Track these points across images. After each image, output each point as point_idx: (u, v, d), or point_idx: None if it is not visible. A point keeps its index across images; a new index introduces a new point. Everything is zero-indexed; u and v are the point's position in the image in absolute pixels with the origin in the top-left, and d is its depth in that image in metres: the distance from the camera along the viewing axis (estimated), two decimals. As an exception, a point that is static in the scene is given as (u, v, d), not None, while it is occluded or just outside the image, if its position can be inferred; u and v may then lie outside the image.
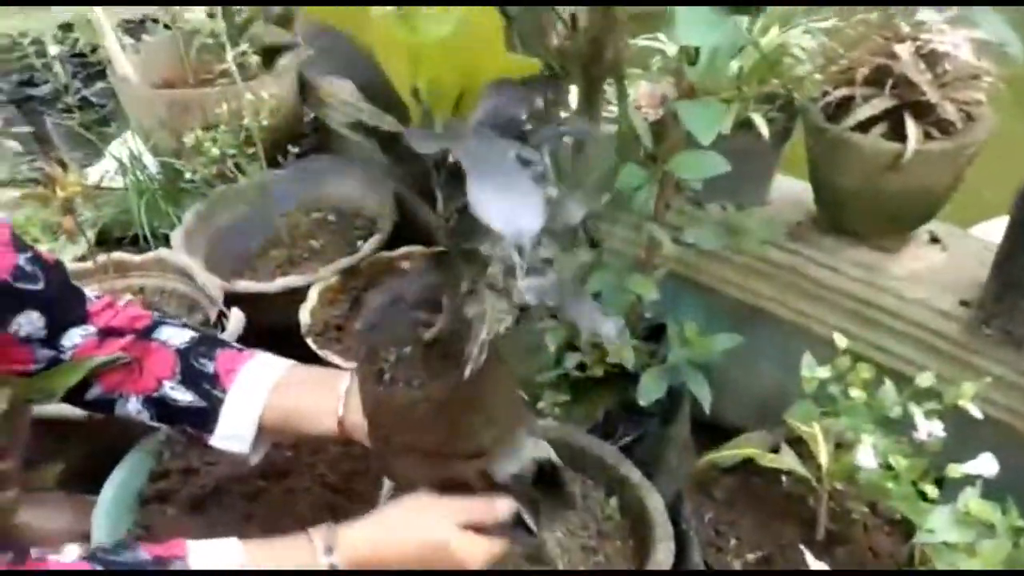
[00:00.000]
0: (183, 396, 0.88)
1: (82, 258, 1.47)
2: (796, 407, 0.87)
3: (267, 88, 1.53)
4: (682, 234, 0.98)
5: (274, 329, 1.31)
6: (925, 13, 0.91)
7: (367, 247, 1.49)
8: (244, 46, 1.59)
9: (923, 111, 0.93)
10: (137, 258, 1.43)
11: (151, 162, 1.72)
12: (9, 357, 0.88)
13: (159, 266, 1.43)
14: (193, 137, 1.44)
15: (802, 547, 0.85)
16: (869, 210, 0.99)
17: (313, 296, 1.39)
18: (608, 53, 0.89)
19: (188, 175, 1.54)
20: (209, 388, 0.87)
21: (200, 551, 0.71)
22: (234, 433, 0.87)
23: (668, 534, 0.88)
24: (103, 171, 1.84)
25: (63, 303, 0.89)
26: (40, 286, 0.87)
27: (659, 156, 1.01)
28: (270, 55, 1.72)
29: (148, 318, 0.94)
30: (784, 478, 0.96)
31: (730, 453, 0.91)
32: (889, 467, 0.80)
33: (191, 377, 0.88)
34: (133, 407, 0.90)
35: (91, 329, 0.90)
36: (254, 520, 1.05)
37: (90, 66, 2.45)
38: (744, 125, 1.02)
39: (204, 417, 0.88)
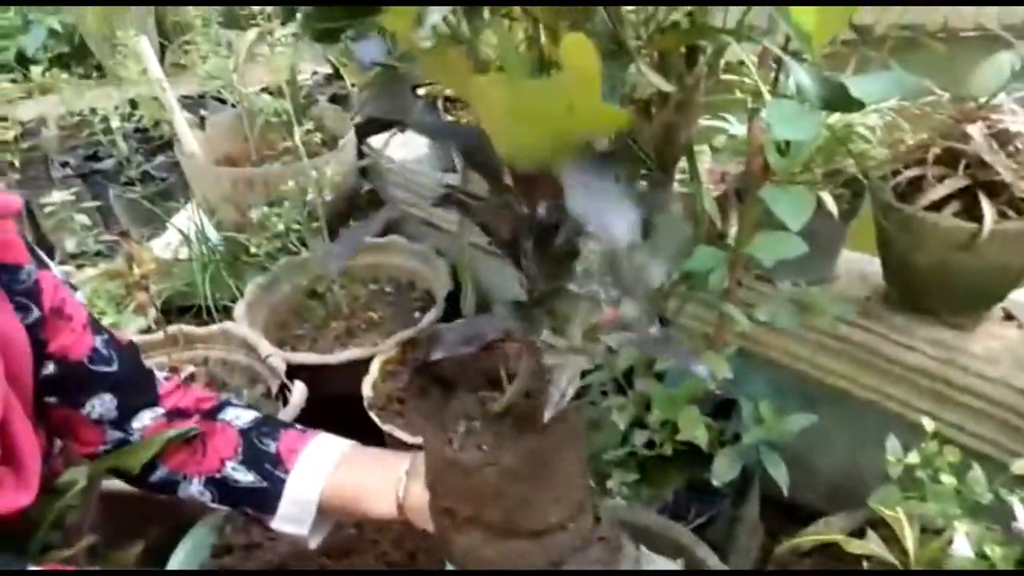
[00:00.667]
0: (244, 477, 0.88)
1: (147, 330, 1.50)
2: (880, 491, 0.85)
3: (330, 165, 1.57)
4: (753, 311, 0.98)
5: (336, 401, 1.33)
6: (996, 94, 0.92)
7: (427, 319, 1.51)
8: (308, 125, 1.64)
9: (997, 190, 0.92)
10: (202, 330, 1.46)
11: (214, 235, 1.77)
12: (80, 438, 0.90)
13: (223, 338, 1.46)
14: (259, 213, 1.49)
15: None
16: (943, 288, 0.98)
17: (375, 369, 1.40)
18: (681, 137, 0.91)
19: (252, 248, 1.58)
20: (271, 469, 0.88)
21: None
22: (295, 515, 0.87)
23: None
24: (166, 243, 1.90)
25: (135, 385, 0.91)
26: (114, 368, 0.89)
27: (728, 235, 1.02)
28: (331, 133, 1.78)
29: (215, 399, 0.95)
30: (865, 563, 0.93)
31: (812, 538, 0.89)
32: (983, 555, 0.78)
33: (253, 457, 0.89)
34: (196, 488, 0.90)
35: (160, 411, 0.91)
36: (317, 600, 1.05)
37: (151, 141, 2.55)
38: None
39: (265, 498, 0.88)
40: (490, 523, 0.70)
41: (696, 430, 0.99)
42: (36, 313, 0.83)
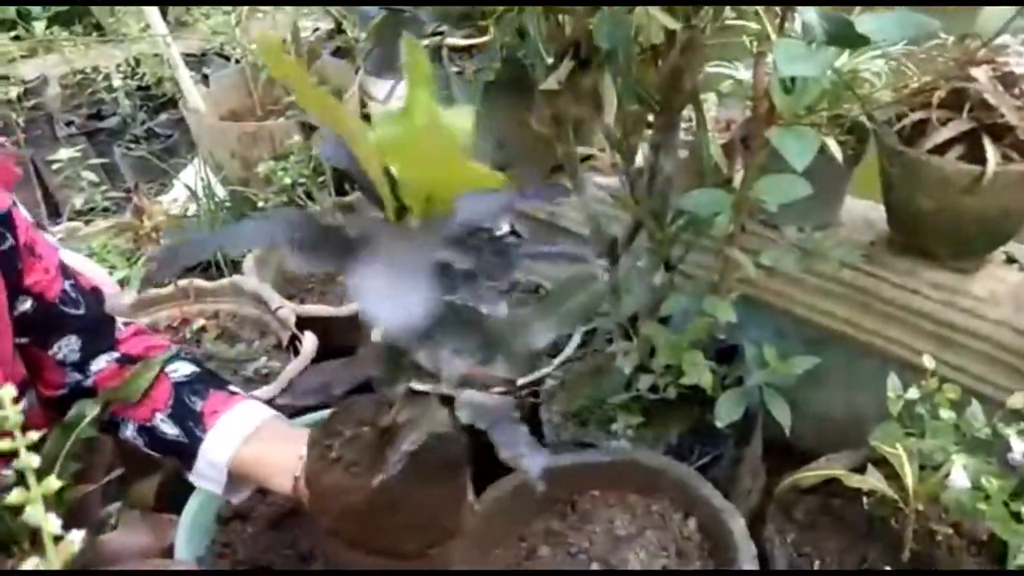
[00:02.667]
0: (171, 430, 0.91)
1: (157, 284, 1.52)
2: (880, 428, 0.87)
3: (335, 118, 1.57)
4: (758, 257, 0.99)
5: (346, 352, 1.34)
6: (1002, 36, 0.91)
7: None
8: (312, 79, 1.64)
9: (1001, 133, 0.93)
10: (212, 284, 1.48)
11: (220, 191, 1.78)
12: (44, 380, 0.94)
13: (233, 291, 1.47)
14: (266, 167, 1.49)
15: (887, 568, 0.85)
16: (947, 231, 0.99)
17: (383, 320, 1.42)
18: (687, 83, 0.91)
19: (259, 203, 1.59)
20: (192, 427, 0.91)
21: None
22: (210, 475, 0.91)
23: (752, 555, 0.89)
24: (172, 199, 1.91)
25: (98, 330, 0.95)
26: (82, 311, 0.93)
27: (733, 181, 1.03)
28: (334, 86, 1.78)
29: (163, 348, 0.98)
30: (866, 500, 0.96)
31: (815, 474, 0.91)
32: (979, 488, 0.80)
33: (180, 413, 0.92)
34: (130, 432, 0.94)
35: (115, 355, 0.95)
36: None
37: (154, 99, 2.55)
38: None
39: (185, 453, 0.91)
40: (349, 539, 0.72)
41: (701, 374, 1.01)
42: (10, 241, 0.86)
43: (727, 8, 0.87)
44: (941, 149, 0.94)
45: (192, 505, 1.04)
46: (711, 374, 1.03)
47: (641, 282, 1.05)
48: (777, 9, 0.81)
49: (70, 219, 1.79)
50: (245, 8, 1.66)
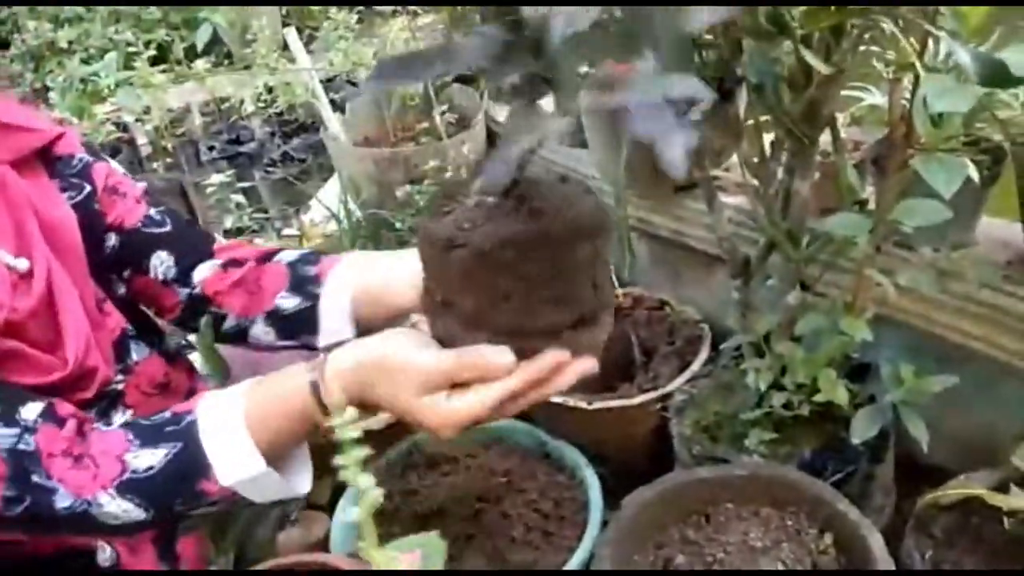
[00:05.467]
0: (291, 302, 0.95)
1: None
2: (1022, 447, 0.88)
3: (464, 144, 1.67)
4: (893, 276, 1.01)
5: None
6: None
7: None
8: (443, 107, 1.74)
9: None
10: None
11: (357, 212, 1.90)
12: (160, 303, 1.03)
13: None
14: (404, 192, 1.60)
15: None
16: (1091, 252, 0.99)
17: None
18: (825, 110, 0.95)
19: (397, 224, 1.70)
20: (311, 289, 0.95)
21: (207, 400, 0.79)
22: (335, 328, 0.94)
23: (891, 571, 0.91)
24: (309, 220, 2.05)
25: (188, 241, 1.02)
26: (167, 228, 1.01)
27: (867, 202, 1.05)
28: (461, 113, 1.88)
29: (271, 248, 1.03)
30: (1007, 519, 0.96)
31: (956, 492, 0.93)
32: None
33: (298, 283, 0.96)
34: (260, 328, 0.99)
35: (216, 262, 1.01)
36: (474, 540, 1.14)
37: (287, 124, 2.72)
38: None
39: (310, 318, 0.95)
40: (463, 313, 0.63)
41: (836, 391, 1.03)
42: (88, 188, 0.96)
43: (866, 36, 0.91)
44: (1085, 170, 0.95)
45: (341, 509, 1.12)
46: (845, 392, 1.05)
47: (774, 302, 1.08)
48: (914, 38, 0.85)
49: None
50: (389, 41, 1.77)
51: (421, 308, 0.74)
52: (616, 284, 1.48)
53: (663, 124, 0.51)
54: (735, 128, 0.92)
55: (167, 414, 0.81)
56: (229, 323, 1.03)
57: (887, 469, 1.16)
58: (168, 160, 2.67)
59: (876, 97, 1.09)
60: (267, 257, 1.02)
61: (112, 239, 1.00)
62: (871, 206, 1.12)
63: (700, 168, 1.00)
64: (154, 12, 3.43)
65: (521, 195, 0.61)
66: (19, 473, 0.73)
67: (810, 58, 0.72)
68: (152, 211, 1.02)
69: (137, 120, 2.63)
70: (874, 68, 1.05)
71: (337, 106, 2.19)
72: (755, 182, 1.00)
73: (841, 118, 1.23)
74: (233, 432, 0.76)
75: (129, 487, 0.75)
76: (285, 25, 3.18)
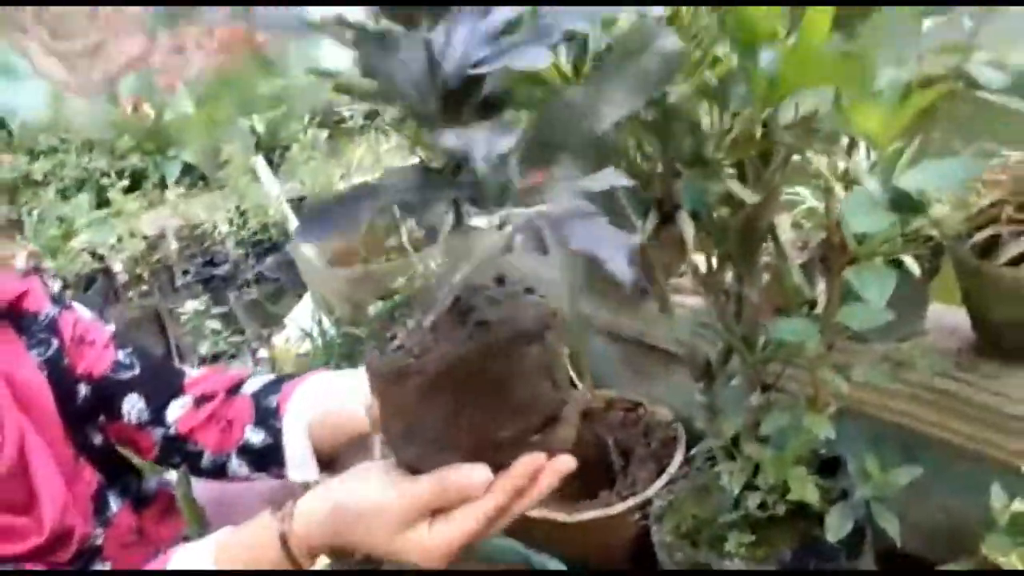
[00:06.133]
0: (257, 437, 0.95)
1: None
2: (990, 539, 0.90)
3: (435, 258, 1.71)
4: (849, 371, 1.04)
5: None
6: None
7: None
8: (411, 222, 1.79)
9: (1073, 242, 0.98)
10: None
11: (331, 330, 1.93)
12: (137, 445, 1.03)
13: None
14: (375, 308, 1.63)
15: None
16: (1031, 337, 1.03)
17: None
18: (762, 225, 1.00)
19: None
20: (273, 422, 0.94)
21: (179, 555, 0.76)
22: (298, 459, 0.93)
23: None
24: (284, 339, 2.07)
25: (158, 381, 1.03)
26: (136, 371, 1.02)
27: (818, 302, 1.09)
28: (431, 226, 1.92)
29: (238, 377, 1.02)
30: (986, 609, 0.97)
31: (930, 587, 0.94)
32: (1099, 596, 0.82)
33: (262, 416, 0.96)
34: (235, 463, 0.99)
35: (187, 399, 1.01)
36: None
37: (259, 244, 2.78)
38: (894, 263, 1.09)
39: (275, 452, 0.94)
40: (426, 436, 0.63)
41: (806, 490, 1.05)
42: (55, 343, 0.97)
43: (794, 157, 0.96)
44: (1016, 261, 0.99)
45: None
46: (816, 488, 1.07)
47: (738, 403, 1.11)
48: (838, 153, 0.90)
49: (199, 365, 1.97)
50: (354, 163, 1.84)
51: (383, 439, 0.74)
52: (589, 385, 1.51)
53: (599, 235, 0.54)
54: (680, 246, 0.96)
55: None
56: (206, 460, 1.04)
57: (867, 561, 1.16)
58: (143, 288, 2.70)
59: (813, 201, 1.15)
60: (235, 389, 1.03)
61: (83, 389, 1.01)
62: (821, 304, 1.17)
63: (651, 280, 1.04)
64: (127, 139, 3.53)
65: (462, 309, 0.62)
66: None
67: (735, 187, 0.77)
68: (120, 355, 1.04)
69: (112, 248, 2.67)
70: (807, 174, 1.11)
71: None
72: (706, 291, 1.04)
73: (788, 219, 1.29)
74: None
75: None
76: (258, 148, 3.28)
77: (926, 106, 0.75)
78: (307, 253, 1.97)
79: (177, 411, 1.02)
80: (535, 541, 1.30)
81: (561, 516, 1.24)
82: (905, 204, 0.62)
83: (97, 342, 1.03)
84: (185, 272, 2.73)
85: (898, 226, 1.00)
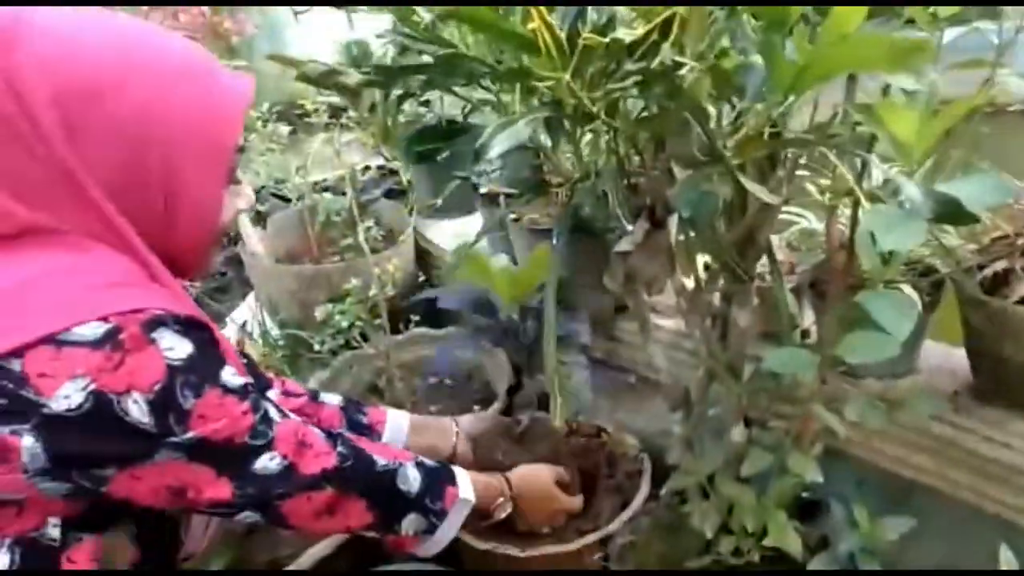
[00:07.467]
0: None
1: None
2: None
3: (391, 261, 1.59)
4: (838, 408, 0.95)
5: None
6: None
7: (488, 414, 1.49)
8: (369, 222, 1.67)
9: (1090, 282, 0.90)
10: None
11: (275, 332, 1.79)
12: None
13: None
14: (322, 310, 1.50)
15: None
16: (1039, 382, 0.95)
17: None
18: (761, 238, 0.90)
19: (316, 346, 1.59)
20: (368, 435, 1.14)
21: (423, 459, 0.99)
22: None
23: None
24: (226, 338, 1.92)
25: (254, 371, 1.11)
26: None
27: (809, 330, 1.00)
28: (388, 228, 1.81)
29: (311, 388, 1.21)
30: None
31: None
32: None
33: (354, 427, 1.14)
34: None
35: (277, 391, 1.14)
36: None
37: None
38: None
39: None
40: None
41: (787, 538, 0.95)
42: None
43: (800, 161, 0.87)
44: (1027, 299, 0.91)
45: None
46: (797, 536, 0.97)
47: (718, 438, 1.01)
48: (854, 165, 0.81)
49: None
50: (311, 156, 1.71)
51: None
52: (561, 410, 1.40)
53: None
54: (668, 258, 0.86)
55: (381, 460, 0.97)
56: None
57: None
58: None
59: (811, 222, 1.06)
60: (314, 396, 1.18)
61: None
62: (812, 334, 1.08)
63: (632, 296, 0.94)
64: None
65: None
66: None
67: (753, 187, 0.67)
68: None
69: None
70: (806, 193, 1.02)
71: (262, 217, 2.10)
72: (690, 311, 0.94)
73: (777, 240, 1.20)
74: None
75: None
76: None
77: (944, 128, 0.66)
78: (255, 248, 1.83)
79: (273, 397, 1.11)
80: (486, 576, 1.20)
81: (513, 551, 1.13)
82: (953, 214, 0.53)
83: None
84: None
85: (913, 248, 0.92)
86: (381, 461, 0.93)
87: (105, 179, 0.74)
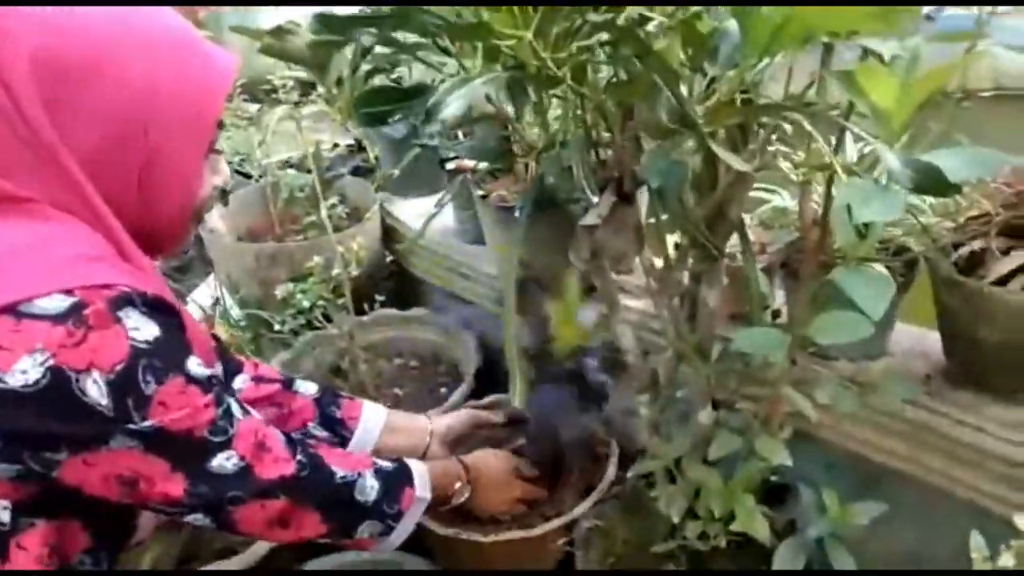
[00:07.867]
0: (322, 434, 1.12)
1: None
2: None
3: (356, 239, 1.54)
4: (808, 390, 0.92)
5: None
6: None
7: (455, 397, 1.46)
8: (334, 199, 1.62)
9: (1067, 262, 0.88)
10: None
11: (236, 312, 1.74)
12: None
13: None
14: (283, 289, 1.45)
15: None
16: (1012, 364, 0.93)
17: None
18: (732, 214, 0.87)
19: (276, 325, 1.54)
20: (339, 429, 1.13)
21: (381, 462, 0.97)
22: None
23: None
24: (186, 319, 1.86)
25: (223, 356, 1.07)
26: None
27: (780, 311, 0.97)
28: (354, 206, 1.76)
29: (286, 374, 1.19)
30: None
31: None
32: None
33: (326, 421, 1.13)
34: None
35: (247, 376, 1.12)
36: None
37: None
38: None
39: None
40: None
41: (754, 523, 0.93)
42: None
43: (773, 136, 0.84)
44: (1003, 280, 0.89)
45: None
46: (765, 521, 0.95)
47: (685, 420, 0.98)
48: (828, 137, 0.78)
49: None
50: (270, 129, 1.65)
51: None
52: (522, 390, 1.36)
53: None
54: (636, 233, 0.82)
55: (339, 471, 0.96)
56: None
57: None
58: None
59: (784, 199, 1.03)
60: (288, 383, 1.15)
61: None
62: (783, 315, 1.05)
63: (599, 273, 0.90)
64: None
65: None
66: None
67: (724, 154, 0.63)
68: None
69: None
70: (779, 168, 0.99)
71: (224, 194, 2.04)
72: (658, 290, 0.91)
73: (749, 219, 1.17)
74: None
75: None
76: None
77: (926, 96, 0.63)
78: (215, 225, 1.77)
79: (239, 385, 1.10)
80: (451, 562, 1.17)
81: (477, 536, 1.10)
82: (934, 184, 0.50)
83: None
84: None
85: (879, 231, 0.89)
86: (340, 472, 0.91)
87: (85, 153, 0.72)
